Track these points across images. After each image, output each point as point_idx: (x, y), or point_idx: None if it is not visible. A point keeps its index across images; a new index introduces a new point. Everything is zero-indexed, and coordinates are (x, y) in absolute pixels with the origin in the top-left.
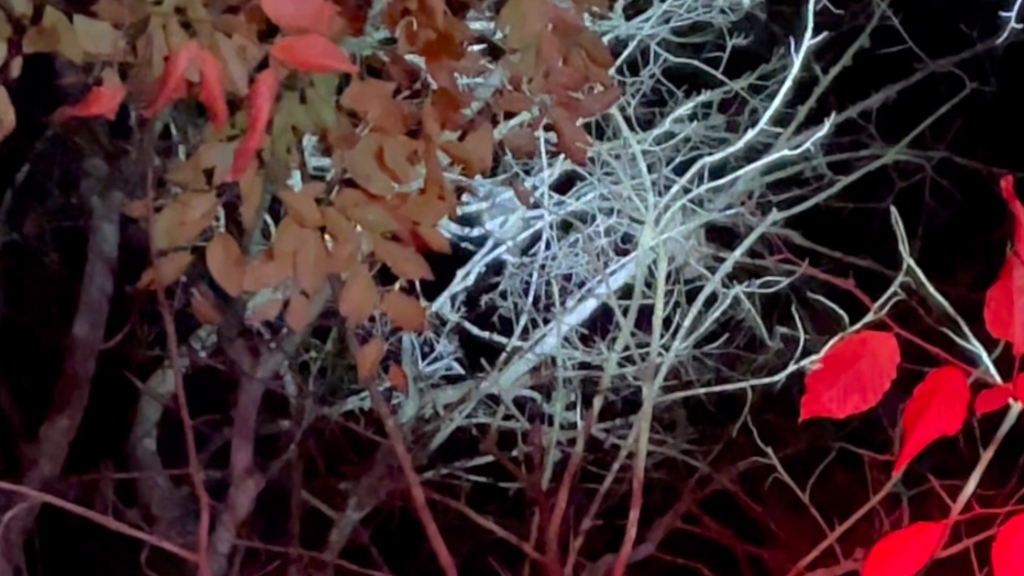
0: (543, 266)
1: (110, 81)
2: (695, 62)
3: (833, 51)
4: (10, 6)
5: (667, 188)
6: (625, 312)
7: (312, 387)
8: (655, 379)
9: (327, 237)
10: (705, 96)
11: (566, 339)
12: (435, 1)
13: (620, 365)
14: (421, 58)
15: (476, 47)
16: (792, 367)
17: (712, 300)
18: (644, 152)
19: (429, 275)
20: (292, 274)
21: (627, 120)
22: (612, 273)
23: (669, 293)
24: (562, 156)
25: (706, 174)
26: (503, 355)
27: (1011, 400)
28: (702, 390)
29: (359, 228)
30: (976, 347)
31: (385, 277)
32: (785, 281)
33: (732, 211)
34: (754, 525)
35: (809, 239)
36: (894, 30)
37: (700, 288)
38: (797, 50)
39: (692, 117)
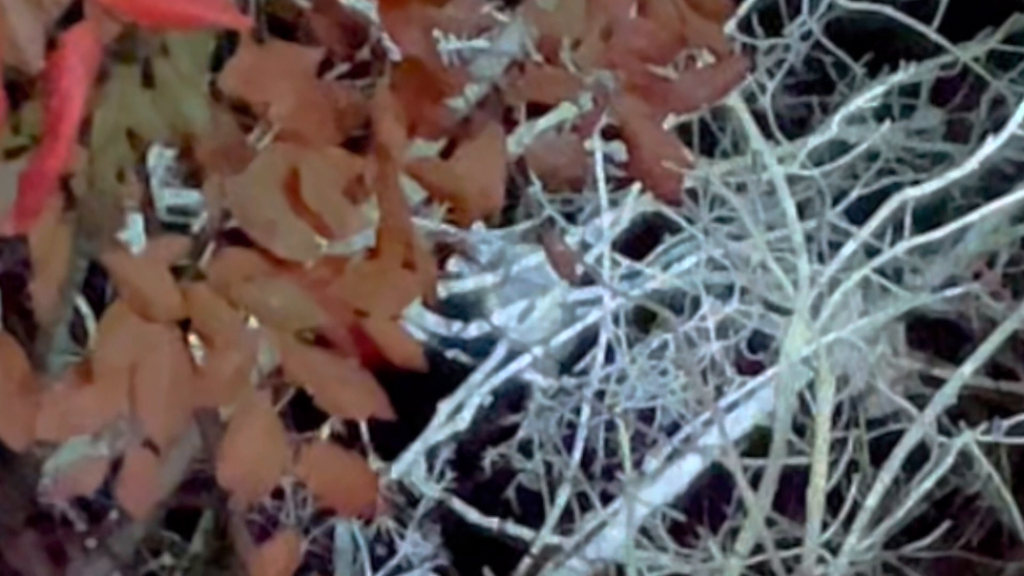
0: (600, 394)
1: None
2: (887, 10)
3: None
4: None
5: (834, 247)
6: (755, 480)
7: None
8: None
9: (193, 339)
10: (905, 74)
11: (643, 531)
12: None
13: None
14: (370, 2)
15: None
16: None
17: (919, 457)
18: (791, 179)
19: (387, 412)
20: (127, 409)
21: (759, 119)
22: (731, 408)
23: (839, 444)
24: (636, 187)
25: (908, 220)
26: (525, 561)
27: None
28: None
29: (253, 322)
30: None
31: (305, 415)
32: None
33: (956, 291)
34: None
35: None
36: None
37: (897, 435)
38: None
39: (881, 113)
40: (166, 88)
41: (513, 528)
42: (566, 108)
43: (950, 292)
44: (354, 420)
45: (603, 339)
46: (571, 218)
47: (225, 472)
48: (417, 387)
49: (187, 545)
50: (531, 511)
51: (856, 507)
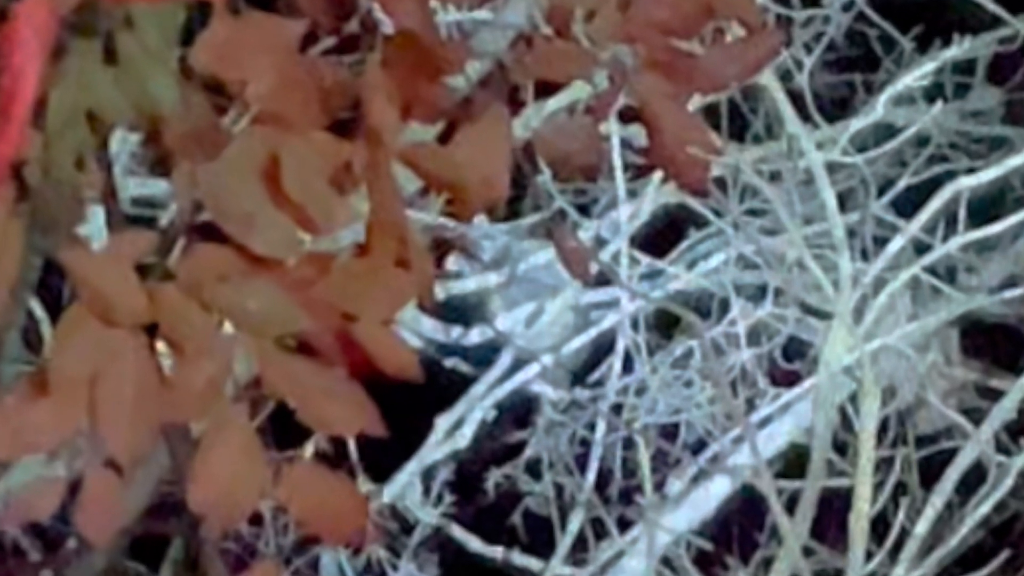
0: (617, 408)
1: None
2: None
3: None
4: None
5: (880, 243)
6: (791, 504)
7: None
8: None
9: (161, 346)
10: (959, 49)
11: (665, 561)
12: None
13: None
14: None
15: None
16: None
17: (975, 479)
18: (831, 167)
19: (379, 428)
20: (86, 425)
21: (795, 100)
22: (764, 424)
23: (885, 464)
24: (657, 175)
25: (962, 213)
26: None
27: None
28: None
29: (228, 327)
30: None
31: (286, 431)
32: None
33: (1016, 292)
34: None
35: None
36: None
37: (950, 454)
38: None
39: (932, 92)
40: (131, 65)
41: (519, 558)
42: (579, 87)
43: (1009, 294)
44: (341, 437)
45: (620, 346)
46: (585, 211)
47: (197, 495)
48: (412, 400)
49: None
50: (539, 539)
51: (904, 534)
